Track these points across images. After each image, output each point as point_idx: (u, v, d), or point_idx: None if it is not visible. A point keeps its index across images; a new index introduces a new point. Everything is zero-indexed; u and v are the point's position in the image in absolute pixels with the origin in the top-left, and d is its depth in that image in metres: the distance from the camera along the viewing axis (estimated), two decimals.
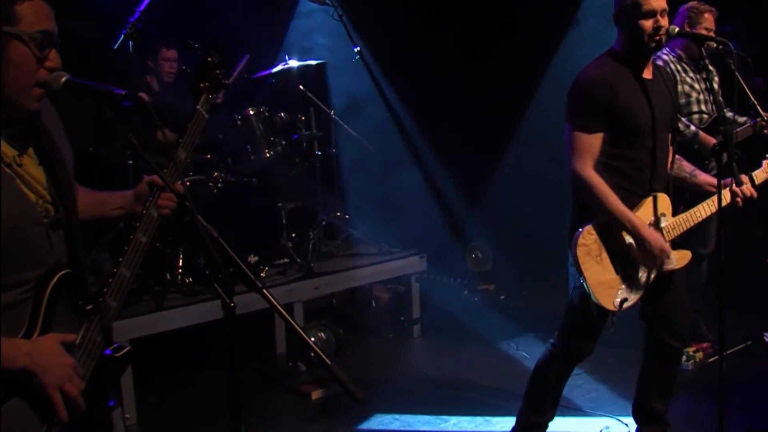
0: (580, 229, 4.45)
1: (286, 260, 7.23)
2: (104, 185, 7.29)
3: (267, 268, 7.02)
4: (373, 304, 8.19)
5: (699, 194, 4.83)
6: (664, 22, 4.41)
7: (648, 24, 4.38)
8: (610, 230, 4.47)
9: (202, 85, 3.27)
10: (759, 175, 4.90)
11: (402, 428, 5.61)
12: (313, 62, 8.03)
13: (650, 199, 4.58)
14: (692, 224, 4.71)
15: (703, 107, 6.55)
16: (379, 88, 9.34)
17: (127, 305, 6.01)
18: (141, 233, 2.91)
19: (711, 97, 6.54)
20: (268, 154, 7.26)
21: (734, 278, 5.70)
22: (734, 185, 4.60)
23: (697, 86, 6.55)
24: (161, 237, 6.53)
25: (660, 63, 6.45)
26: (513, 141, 9.33)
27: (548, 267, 8.24)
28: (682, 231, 4.67)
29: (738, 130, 6.36)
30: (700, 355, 6.53)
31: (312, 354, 2.49)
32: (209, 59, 3.31)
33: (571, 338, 4.78)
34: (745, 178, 4.77)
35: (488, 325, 7.81)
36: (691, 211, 4.72)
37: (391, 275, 7.77)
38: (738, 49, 4.89)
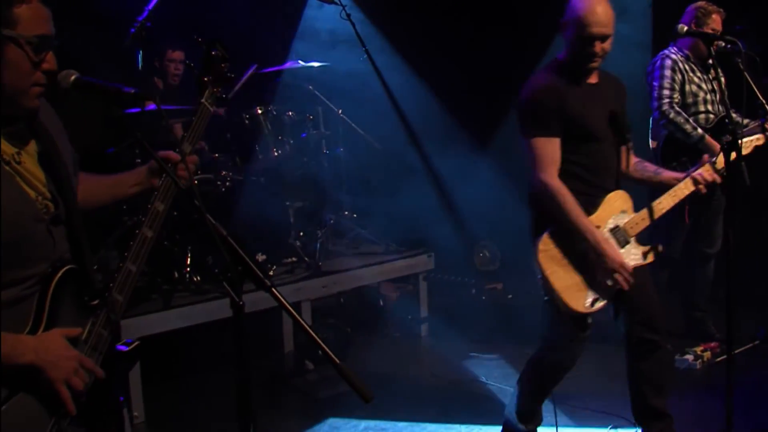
0: (540, 236, 4.49)
1: (293, 259, 7.23)
2: None
3: (275, 267, 7.04)
4: (381, 303, 8.20)
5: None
6: (605, 46, 4.47)
7: (589, 47, 4.44)
8: (571, 233, 4.48)
9: (206, 79, 3.28)
10: (719, 161, 4.80)
11: (409, 428, 5.61)
12: (319, 63, 8.01)
13: (609, 196, 4.62)
14: (656, 218, 4.69)
15: (709, 107, 6.59)
16: (387, 87, 9.32)
17: (135, 303, 6.03)
18: (147, 228, 2.94)
19: (718, 98, 6.56)
20: (276, 153, 7.27)
21: (742, 277, 5.70)
22: (697, 171, 4.69)
23: (704, 86, 6.59)
24: (169, 235, 6.54)
25: (669, 62, 6.50)
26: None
27: None
28: (646, 225, 4.68)
29: (745, 130, 6.38)
30: (708, 354, 6.52)
31: (321, 353, 2.50)
32: (213, 53, 3.32)
33: (556, 351, 4.81)
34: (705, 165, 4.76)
35: (496, 324, 7.81)
36: (653, 204, 4.70)
37: (398, 274, 7.78)
38: (746, 48, 4.89)
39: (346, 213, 8.30)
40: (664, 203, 4.68)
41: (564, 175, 4.49)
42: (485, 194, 9.07)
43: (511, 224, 8.91)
